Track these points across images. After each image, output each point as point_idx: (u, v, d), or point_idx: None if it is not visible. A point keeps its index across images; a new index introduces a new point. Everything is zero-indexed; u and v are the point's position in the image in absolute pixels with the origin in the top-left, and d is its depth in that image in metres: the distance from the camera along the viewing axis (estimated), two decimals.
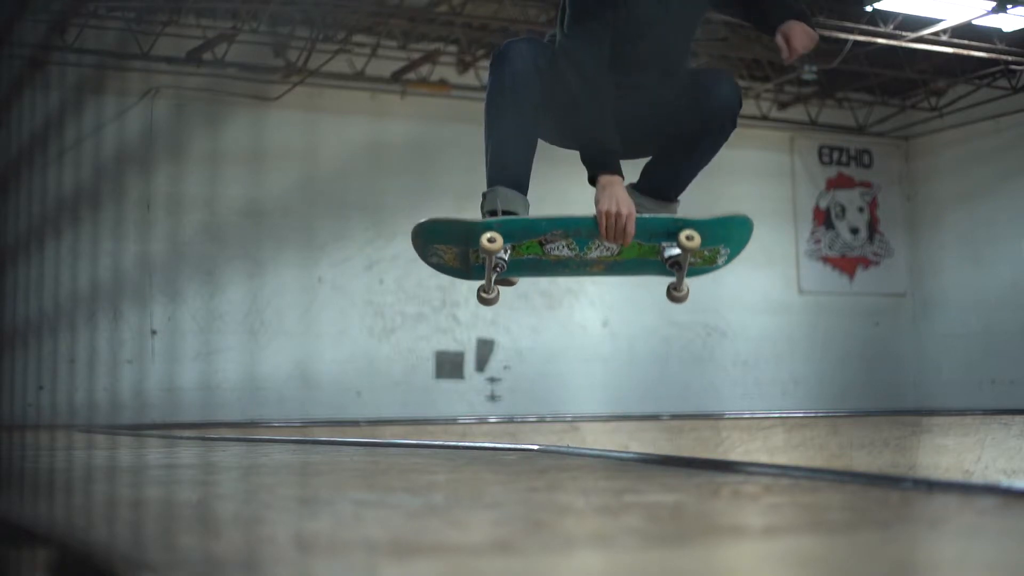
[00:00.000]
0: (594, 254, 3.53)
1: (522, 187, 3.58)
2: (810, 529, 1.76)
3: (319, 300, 12.28)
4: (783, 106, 14.67)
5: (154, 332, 11.08)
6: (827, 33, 11.31)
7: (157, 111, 10.61)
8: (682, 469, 2.89)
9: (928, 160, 15.13)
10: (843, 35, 11.82)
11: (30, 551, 1.67)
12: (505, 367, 12.94)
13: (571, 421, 10.65)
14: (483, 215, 3.56)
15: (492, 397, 12.75)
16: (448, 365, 12.69)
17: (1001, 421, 7.41)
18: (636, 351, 13.44)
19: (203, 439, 5.90)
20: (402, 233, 14.51)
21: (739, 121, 3.68)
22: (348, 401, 12.22)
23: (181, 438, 5.81)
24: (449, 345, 12.77)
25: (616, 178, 3.42)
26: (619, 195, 3.38)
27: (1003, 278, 14.01)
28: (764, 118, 14.32)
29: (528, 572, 1.42)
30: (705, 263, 3.67)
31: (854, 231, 15.03)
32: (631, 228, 3.38)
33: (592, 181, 3.46)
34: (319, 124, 12.37)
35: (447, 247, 3.59)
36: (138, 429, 6.59)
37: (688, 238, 3.41)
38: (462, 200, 11.89)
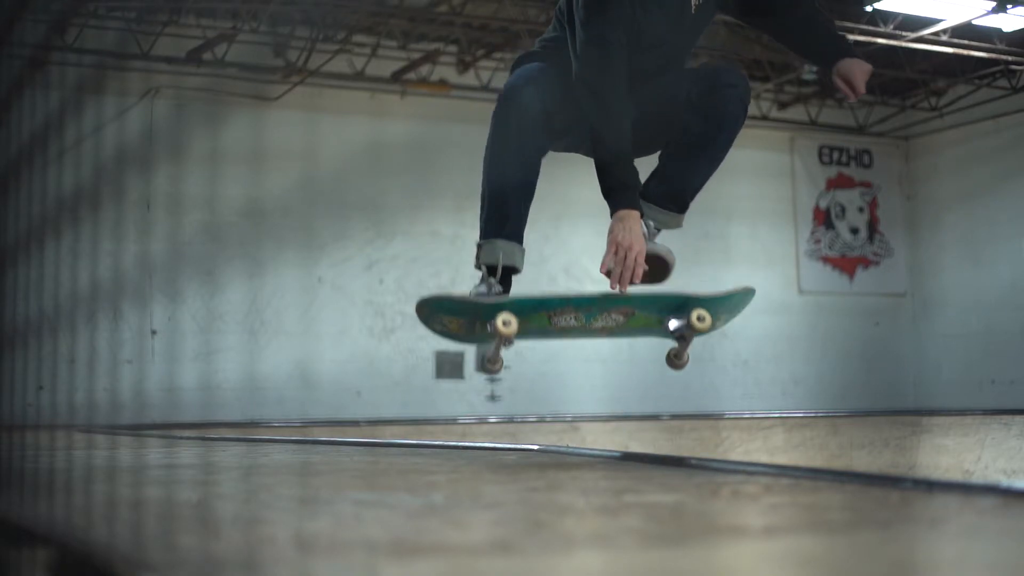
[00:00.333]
0: (599, 324, 3.50)
1: (520, 237, 3.53)
2: (810, 529, 1.76)
3: (319, 300, 12.28)
4: (783, 106, 14.67)
5: (154, 332, 11.07)
6: None
7: (157, 111, 10.62)
8: (682, 469, 2.89)
9: (928, 160, 15.12)
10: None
11: (30, 551, 1.67)
12: (505, 367, 12.91)
13: (571, 421, 10.65)
14: (478, 264, 3.51)
15: (492, 397, 12.74)
16: (448, 365, 12.69)
17: (1001, 421, 7.41)
18: (636, 351, 13.41)
19: (203, 439, 5.90)
20: (402, 233, 14.53)
21: None
22: (348, 401, 12.22)
23: (181, 438, 5.81)
24: (449, 345, 12.75)
25: (635, 213, 3.35)
26: (635, 230, 3.32)
27: (1003, 278, 14.00)
28: (764, 118, 14.32)
29: (528, 572, 1.42)
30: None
31: (854, 231, 15.02)
32: (639, 269, 3.32)
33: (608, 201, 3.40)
34: (319, 124, 12.37)
35: (453, 319, 3.54)
36: (138, 429, 6.59)
37: (699, 319, 3.39)
38: (462, 200, 12.01)
